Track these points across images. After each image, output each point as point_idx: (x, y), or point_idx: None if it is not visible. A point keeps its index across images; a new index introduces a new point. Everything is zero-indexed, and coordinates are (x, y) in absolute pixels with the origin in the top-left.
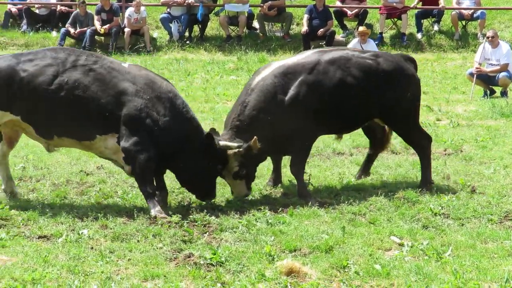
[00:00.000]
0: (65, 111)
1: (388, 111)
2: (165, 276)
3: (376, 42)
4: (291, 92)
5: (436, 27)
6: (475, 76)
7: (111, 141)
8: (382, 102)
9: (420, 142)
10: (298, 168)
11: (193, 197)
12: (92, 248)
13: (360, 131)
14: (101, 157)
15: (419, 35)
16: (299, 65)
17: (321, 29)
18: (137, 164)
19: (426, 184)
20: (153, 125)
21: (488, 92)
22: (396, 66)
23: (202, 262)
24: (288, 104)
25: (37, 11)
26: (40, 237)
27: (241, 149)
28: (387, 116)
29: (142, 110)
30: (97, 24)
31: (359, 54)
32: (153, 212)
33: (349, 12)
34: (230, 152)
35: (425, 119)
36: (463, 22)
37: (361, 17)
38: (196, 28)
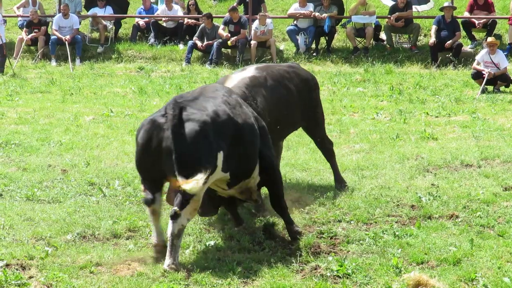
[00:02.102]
0: (245, 149)
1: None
2: None
3: (505, 53)
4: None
5: None
6: None
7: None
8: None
9: (329, 146)
10: None
11: (320, 209)
12: (219, 259)
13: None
14: (240, 194)
15: None
16: (257, 78)
17: (449, 41)
18: (278, 177)
19: (341, 183)
20: None
21: None
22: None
23: (328, 274)
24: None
25: (164, 24)
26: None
27: None
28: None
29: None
30: (222, 32)
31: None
32: (299, 229)
33: (477, 22)
34: None
35: None
36: None
37: (489, 28)
38: (322, 40)
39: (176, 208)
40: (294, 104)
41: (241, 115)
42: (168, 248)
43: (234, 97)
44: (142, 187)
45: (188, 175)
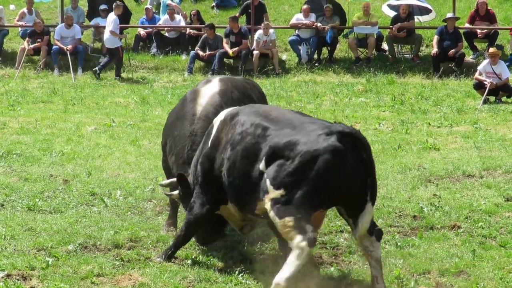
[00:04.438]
0: None
1: None
2: None
3: (507, 64)
4: None
5: None
6: None
7: None
8: None
9: None
10: None
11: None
12: (221, 270)
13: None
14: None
15: None
16: (224, 92)
17: (451, 51)
18: None
19: None
20: None
21: None
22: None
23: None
24: None
25: (166, 34)
26: None
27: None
28: None
29: None
30: (226, 47)
31: None
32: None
33: (479, 31)
34: None
35: None
36: None
37: (491, 38)
38: (325, 50)
39: (377, 227)
40: None
41: None
42: (380, 272)
43: None
44: (304, 225)
45: None
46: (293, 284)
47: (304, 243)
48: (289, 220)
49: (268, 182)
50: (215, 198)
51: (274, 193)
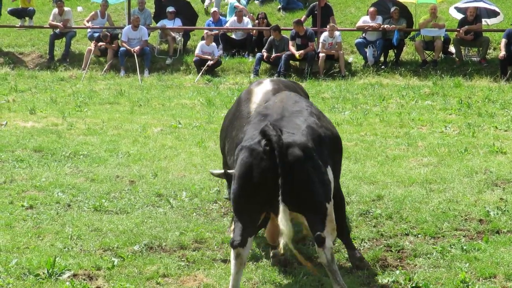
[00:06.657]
0: (336, 161)
1: None
2: None
3: None
4: None
5: None
6: None
7: None
8: None
9: None
10: None
11: (387, 222)
12: (285, 272)
13: None
14: None
15: None
16: (277, 91)
17: None
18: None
19: None
20: None
21: None
22: None
23: None
24: None
25: (233, 36)
26: None
27: None
28: None
29: None
30: (293, 49)
31: None
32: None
33: None
34: None
35: None
36: None
37: None
38: (391, 53)
39: (318, 232)
40: None
41: (329, 124)
42: (331, 276)
43: (315, 106)
44: (232, 227)
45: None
46: None
47: None
48: None
49: None
50: None
51: None
